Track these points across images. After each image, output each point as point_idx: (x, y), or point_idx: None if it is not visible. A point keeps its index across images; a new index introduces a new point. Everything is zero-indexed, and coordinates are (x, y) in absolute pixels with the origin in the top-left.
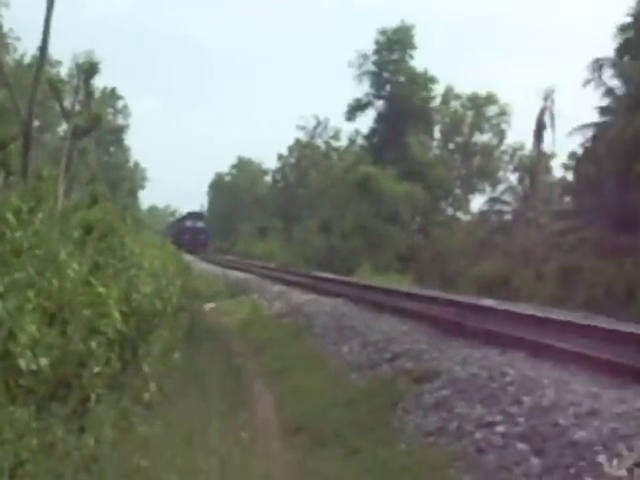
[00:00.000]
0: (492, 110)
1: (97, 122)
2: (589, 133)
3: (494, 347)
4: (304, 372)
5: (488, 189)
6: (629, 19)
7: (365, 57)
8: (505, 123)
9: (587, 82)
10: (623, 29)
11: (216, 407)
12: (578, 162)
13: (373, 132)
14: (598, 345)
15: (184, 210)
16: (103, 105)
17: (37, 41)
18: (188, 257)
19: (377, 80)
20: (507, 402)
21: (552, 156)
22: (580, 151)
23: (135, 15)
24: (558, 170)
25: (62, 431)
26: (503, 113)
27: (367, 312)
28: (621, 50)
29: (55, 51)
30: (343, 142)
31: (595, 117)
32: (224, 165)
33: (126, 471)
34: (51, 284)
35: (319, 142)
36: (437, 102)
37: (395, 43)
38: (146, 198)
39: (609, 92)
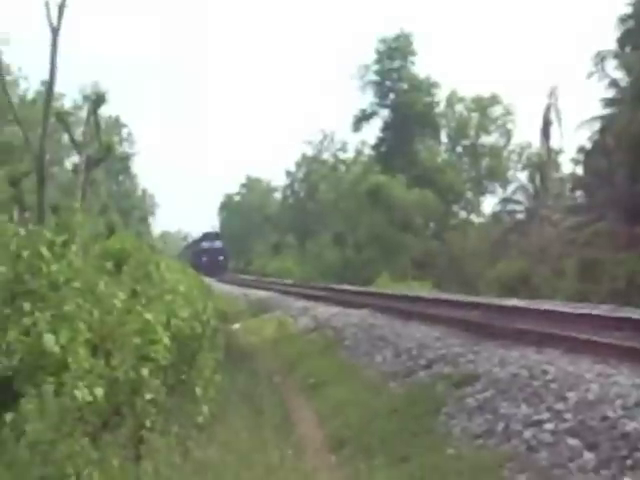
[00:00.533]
0: (497, 110)
1: (109, 152)
2: (596, 126)
3: (528, 346)
4: (340, 385)
5: (499, 190)
6: (629, 9)
7: (366, 68)
8: (511, 122)
9: (590, 75)
10: (624, 20)
11: (263, 426)
12: (587, 156)
13: (380, 141)
14: (633, 336)
15: (196, 233)
16: (111, 134)
17: (37, 76)
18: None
19: (380, 89)
20: (552, 399)
21: (560, 152)
22: (589, 145)
23: (133, 41)
24: (567, 165)
25: (117, 460)
26: (508, 113)
27: (395, 321)
28: (622, 41)
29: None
30: (350, 154)
31: (601, 110)
32: (233, 186)
33: None
34: (92, 315)
35: (326, 155)
36: (442, 107)
37: (395, 51)
38: (157, 224)
39: (613, 84)
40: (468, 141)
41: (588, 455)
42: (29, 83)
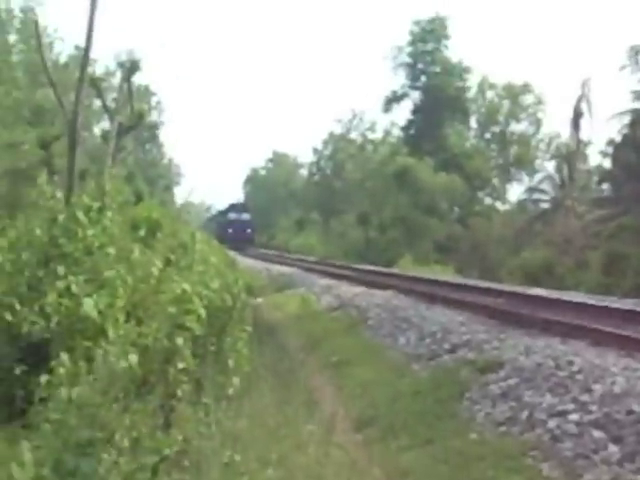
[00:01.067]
0: (528, 99)
1: (140, 119)
2: (627, 119)
3: (554, 336)
4: (364, 364)
5: (526, 178)
6: None
7: (400, 49)
8: (541, 112)
9: (623, 68)
10: None
11: (289, 401)
12: (616, 149)
13: (409, 123)
14: None
15: (219, 206)
16: (143, 102)
17: (71, 40)
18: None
19: (412, 71)
20: (577, 390)
21: (589, 143)
22: (618, 138)
23: (166, 7)
24: (595, 157)
25: (146, 428)
26: (539, 102)
27: (419, 303)
28: None
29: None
30: (379, 134)
31: (631, 103)
32: (258, 160)
33: (219, 466)
34: (126, 282)
35: (354, 135)
36: (472, 92)
37: (429, 34)
38: (181, 194)
39: None
40: (497, 128)
41: (613, 448)
42: (65, 45)
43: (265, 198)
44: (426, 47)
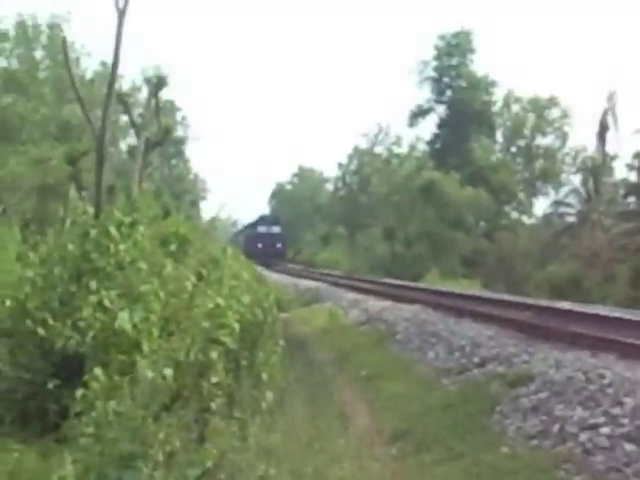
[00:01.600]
0: (554, 113)
1: (167, 134)
2: None
3: (583, 349)
4: (393, 378)
5: (552, 192)
6: None
7: (425, 63)
8: (568, 125)
9: None
10: None
11: (320, 415)
12: None
13: (435, 137)
14: None
15: (245, 220)
16: (168, 117)
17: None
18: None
19: (438, 86)
20: (608, 404)
21: (616, 157)
22: None
23: (192, 23)
24: (622, 170)
25: (180, 441)
26: (565, 116)
27: (447, 317)
28: None
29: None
30: (404, 149)
31: None
32: (284, 175)
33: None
34: (158, 297)
35: (380, 149)
36: (498, 106)
37: (455, 48)
38: (208, 209)
39: None
40: (523, 142)
41: None
42: (90, 61)
43: (291, 213)
44: (451, 61)
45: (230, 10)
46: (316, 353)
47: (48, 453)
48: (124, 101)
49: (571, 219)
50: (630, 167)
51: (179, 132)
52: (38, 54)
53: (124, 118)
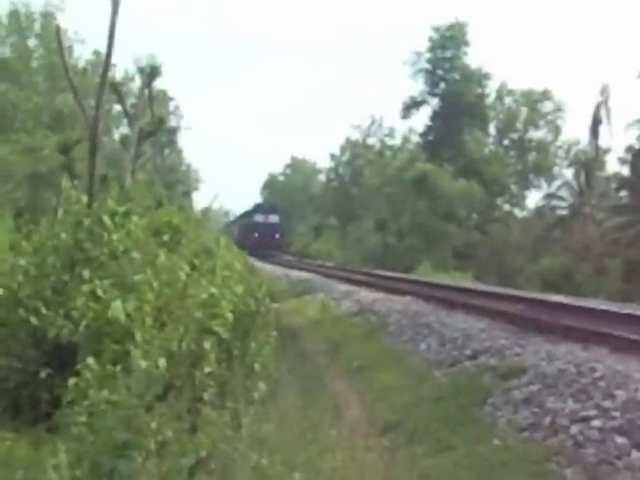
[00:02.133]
0: (547, 106)
1: (160, 125)
2: None
3: (575, 342)
4: (385, 370)
5: (544, 185)
6: None
7: (419, 55)
8: (561, 119)
9: None
10: None
11: (312, 406)
12: (635, 156)
13: (428, 130)
14: None
15: (238, 211)
16: (162, 107)
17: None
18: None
19: (431, 78)
20: (600, 396)
21: (608, 150)
22: (637, 145)
23: (184, 12)
24: (614, 164)
25: (173, 431)
26: (559, 109)
27: (439, 310)
28: None
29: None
30: (397, 140)
31: None
32: (277, 165)
33: (245, 469)
34: (152, 287)
35: (373, 140)
36: (491, 98)
37: (449, 40)
38: (200, 199)
39: None
40: (516, 134)
41: (636, 454)
42: (84, 49)
43: (283, 204)
44: (445, 53)
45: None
46: (308, 344)
47: (40, 442)
48: (117, 90)
49: (563, 212)
50: (622, 161)
51: (172, 122)
52: (31, 42)
53: (117, 107)
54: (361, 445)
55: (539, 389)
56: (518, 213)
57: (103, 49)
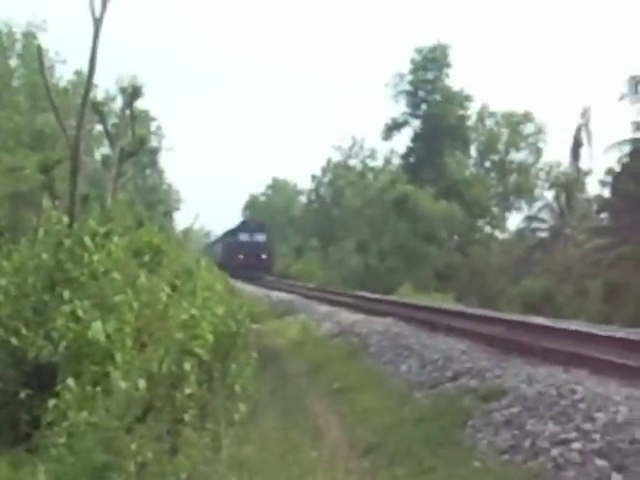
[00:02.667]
0: (529, 128)
1: (142, 145)
2: (626, 149)
3: (555, 365)
4: (366, 391)
5: (525, 207)
6: None
7: (401, 77)
8: (542, 141)
9: (623, 98)
10: None
11: (293, 427)
12: (615, 178)
13: (409, 151)
14: None
15: (218, 231)
16: (143, 127)
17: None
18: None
19: (413, 99)
20: (580, 419)
21: (589, 173)
22: (617, 167)
23: (165, 33)
24: (595, 186)
25: (152, 452)
26: (540, 131)
27: (420, 331)
28: None
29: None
30: (379, 162)
31: (631, 133)
32: (258, 186)
33: None
34: (132, 308)
35: (354, 162)
36: (473, 120)
37: (431, 62)
38: (181, 220)
39: None
40: (497, 156)
41: (616, 477)
42: (65, 69)
43: None
44: (427, 75)
45: (204, 19)
46: (289, 365)
47: (19, 463)
48: (99, 110)
49: (544, 234)
50: (603, 183)
51: (154, 142)
52: (13, 62)
53: (98, 127)
54: (342, 467)
55: (519, 411)
56: (499, 235)
57: (85, 69)
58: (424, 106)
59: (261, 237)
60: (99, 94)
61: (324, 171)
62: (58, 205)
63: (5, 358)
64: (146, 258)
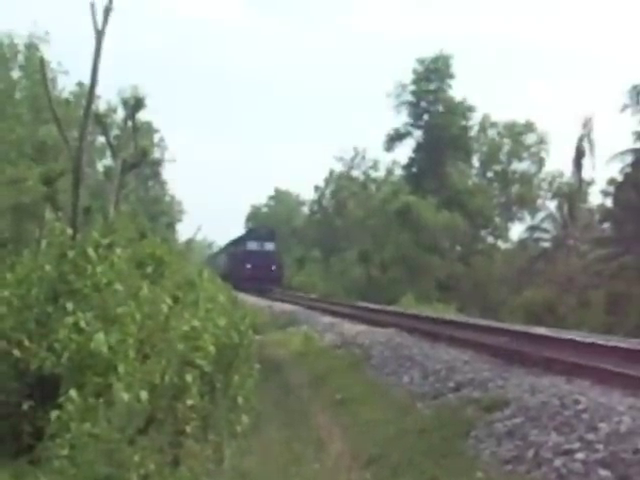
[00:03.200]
0: (531, 138)
1: (144, 157)
2: (628, 159)
3: (558, 375)
4: (368, 402)
5: (527, 217)
6: None
7: (403, 87)
8: (544, 151)
9: (625, 108)
10: None
11: (295, 439)
12: (618, 188)
13: (412, 162)
14: None
15: (221, 242)
16: (145, 139)
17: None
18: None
19: (415, 110)
20: (583, 429)
21: (592, 183)
22: (620, 177)
23: (167, 47)
24: (597, 197)
25: (155, 464)
26: (542, 141)
27: (423, 342)
28: None
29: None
30: (381, 173)
31: (633, 143)
32: (260, 197)
33: None
34: (134, 319)
35: (357, 173)
36: (475, 131)
37: (433, 72)
38: (183, 231)
39: None
40: (499, 167)
41: None
42: (67, 80)
43: None
44: (429, 86)
45: (208, 29)
46: (291, 376)
47: (22, 475)
48: (102, 122)
49: (546, 244)
50: (605, 193)
51: (156, 154)
52: (15, 74)
53: (101, 139)
54: (344, 479)
55: (522, 422)
56: (501, 245)
57: (87, 80)
58: (426, 117)
59: (270, 246)
60: (101, 105)
61: (326, 182)
62: (61, 217)
63: (8, 370)
64: (149, 270)
